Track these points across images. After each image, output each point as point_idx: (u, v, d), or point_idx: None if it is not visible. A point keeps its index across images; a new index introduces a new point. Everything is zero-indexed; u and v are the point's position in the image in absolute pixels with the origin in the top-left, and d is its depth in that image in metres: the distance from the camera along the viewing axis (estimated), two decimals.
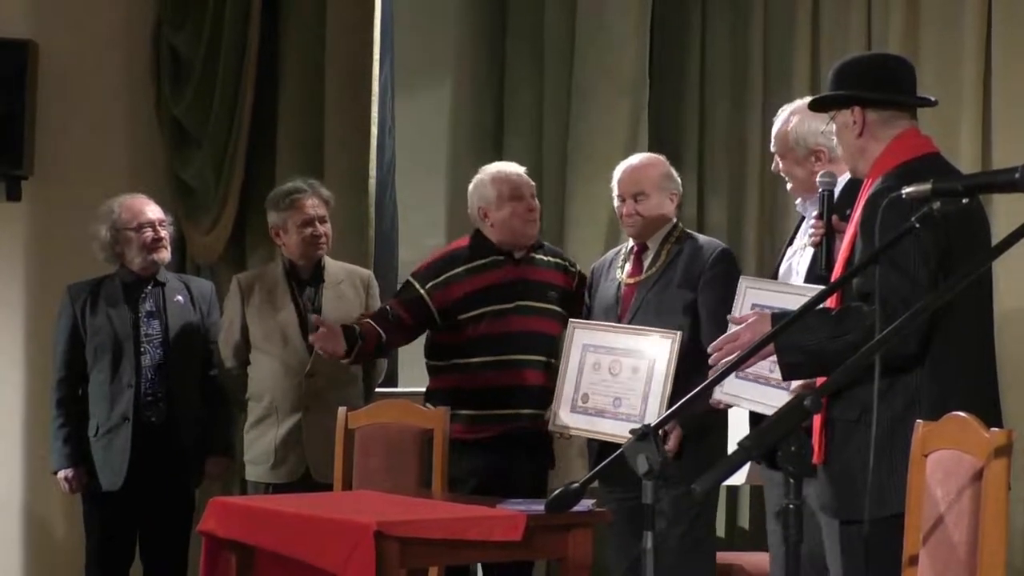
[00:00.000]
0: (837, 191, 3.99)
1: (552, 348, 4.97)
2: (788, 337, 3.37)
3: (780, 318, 3.48)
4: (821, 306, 3.31)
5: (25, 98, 6.15)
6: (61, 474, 5.35)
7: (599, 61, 5.92)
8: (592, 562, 4.11)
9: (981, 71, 5.05)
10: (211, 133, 6.22)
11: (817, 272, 3.96)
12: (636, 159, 4.89)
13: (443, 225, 6.29)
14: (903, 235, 3.00)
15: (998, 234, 3.59)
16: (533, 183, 5.08)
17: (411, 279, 5.04)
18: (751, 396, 4.03)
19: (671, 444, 4.53)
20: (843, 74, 3.60)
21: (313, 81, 6.12)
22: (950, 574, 3.00)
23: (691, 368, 4.42)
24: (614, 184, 4.81)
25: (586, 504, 3.95)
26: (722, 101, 6.01)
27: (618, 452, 2.99)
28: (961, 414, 3.05)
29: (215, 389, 5.44)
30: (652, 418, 4.27)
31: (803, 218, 4.28)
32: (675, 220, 4.83)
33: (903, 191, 2.99)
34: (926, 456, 3.13)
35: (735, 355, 3.41)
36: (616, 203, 4.81)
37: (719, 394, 4.09)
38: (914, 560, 3.11)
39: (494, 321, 4.93)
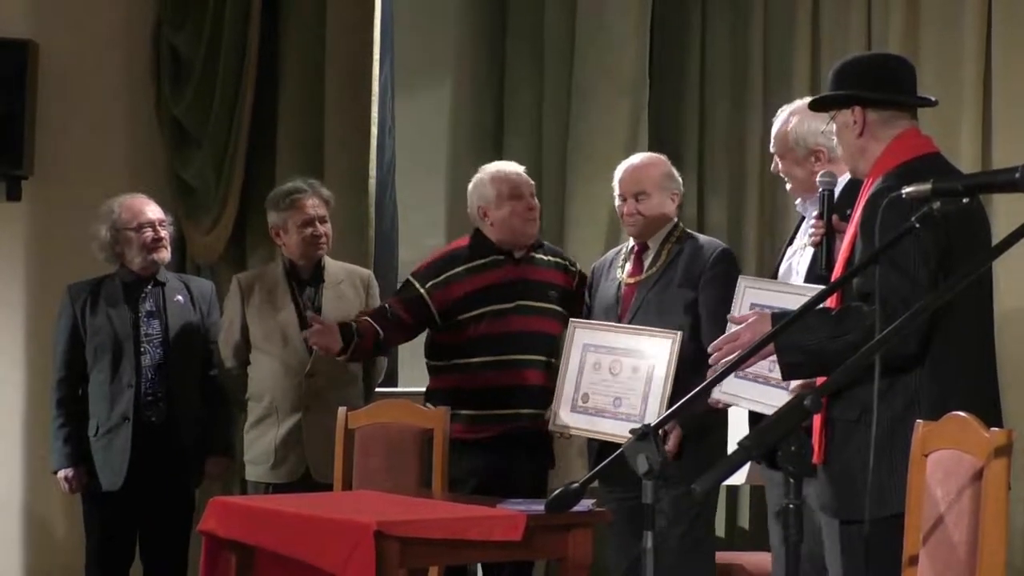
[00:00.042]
0: (837, 191, 3.99)
1: (552, 348, 4.97)
2: (788, 337, 3.37)
3: (780, 318, 3.48)
4: (821, 306, 3.31)
5: (25, 98, 6.15)
6: (61, 474, 5.35)
7: (599, 61, 5.92)
8: (592, 562, 4.11)
9: (981, 71, 5.05)
10: (211, 133, 6.22)
11: (817, 272, 3.96)
12: (637, 158, 4.89)
13: (443, 225, 6.29)
14: (903, 235, 3.00)
15: (998, 234, 3.59)
16: (532, 182, 5.09)
17: (411, 278, 5.04)
18: (750, 395, 4.03)
19: (671, 444, 4.53)
20: (843, 74, 3.60)
21: (313, 81, 6.12)
22: (950, 574, 3.00)
23: (691, 368, 4.42)
24: (615, 183, 4.81)
25: (586, 504, 3.95)
26: (722, 101, 6.01)
27: (618, 452, 2.99)
28: (961, 414, 3.05)
29: (215, 389, 5.43)
30: (652, 418, 4.27)
31: (803, 218, 4.28)
32: (676, 220, 4.83)
33: (903, 191, 2.99)
34: (926, 456, 3.13)
35: (735, 355, 3.41)
36: (617, 202, 4.81)
37: (718, 393, 4.09)
38: (914, 560, 3.11)
39: (494, 321, 4.93)
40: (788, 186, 4.29)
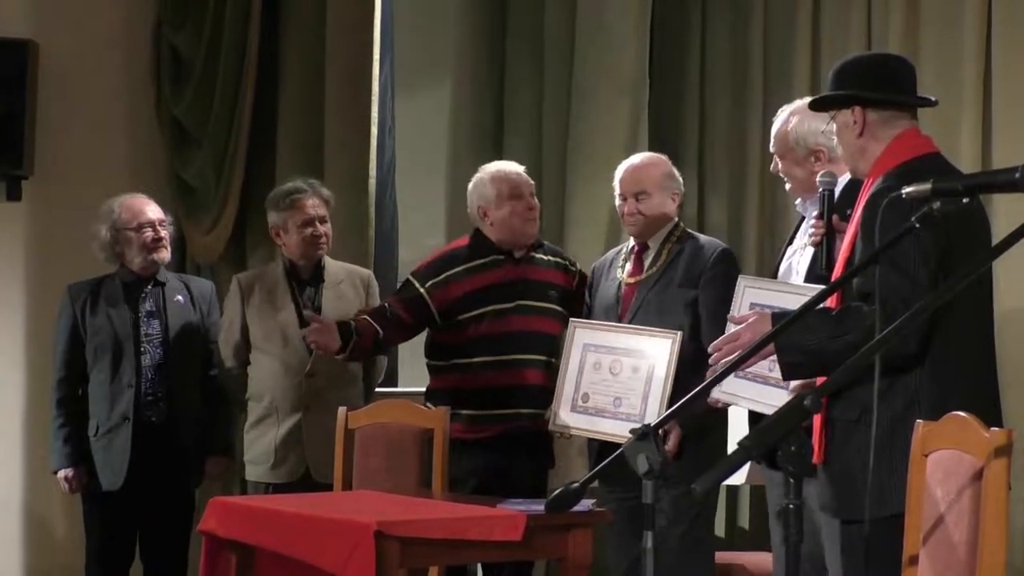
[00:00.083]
0: (837, 191, 3.99)
1: (552, 348, 4.97)
2: (788, 337, 3.37)
3: (780, 318, 3.48)
4: (821, 306, 3.31)
5: (25, 98, 6.15)
6: (61, 474, 5.35)
7: (599, 61, 5.92)
8: (592, 562, 4.11)
9: (981, 71, 5.05)
10: (211, 133, 6.22)
11: (817, 272, 3.96)
12: (638, 158, 4.89)
13: (443, 225, 6.29)
14: (903, 235, 3.00)
15: (998, 234, 3.59)
16: (533, 182, 5.09)
17: (411, 278, 5.04)
18: (750, 395, 4.03)
19: (670, 444, 4.53)
20: (843, 74, 3.60)
21: (313, 81, 6.12)
22: (950, 574, 3.00)
23: (691, 368, 4.42)
24: (616, 183, 4.81)
25: (586, 504, 3.95)
26: (722, 101, 6.01)
27: (618, 452, 2.99)
28: (961, 414, 3.05)
29: (215, 389, 5.43)
30: (652, 418, 4.26)
31: (802, 218, 4.28)
32: (676, 220, 4.83)
33: (903, 191, 2.99)
34: (926, 456, 3.13)
35: (735, 355, 3.41)
36: (618, 202, 4.81)
37: (718, 392, 4.08)
38: (914, 560, 3.11)
39: (494, 321, 4.93)
40: (787, 186, 4.29)
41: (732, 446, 4.06)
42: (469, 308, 4.93)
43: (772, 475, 4.16)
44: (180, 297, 5.44)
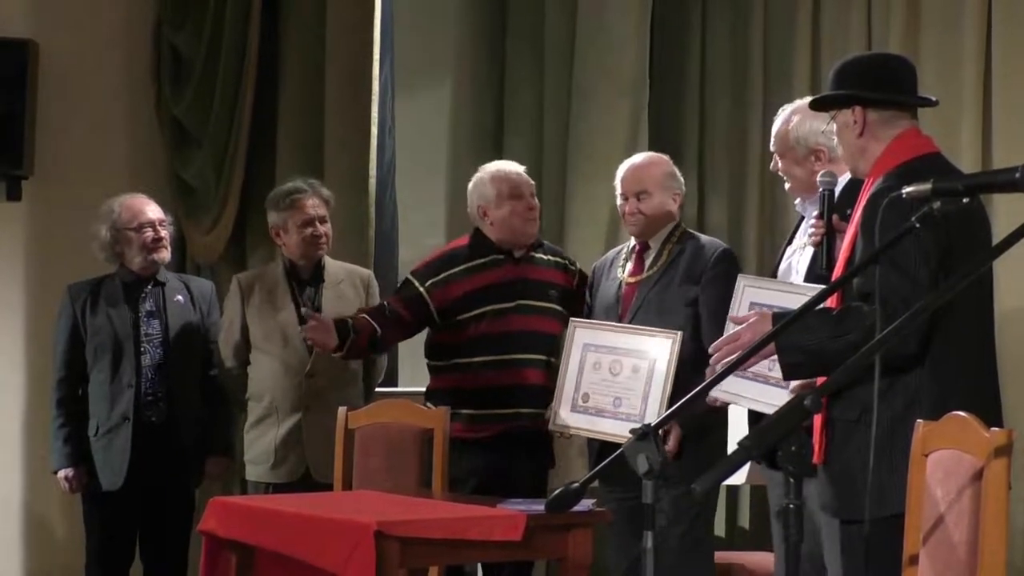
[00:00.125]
0: (837, 191, 3.99)
1: (552, 347, 4.97)
2: (788, 337, 3.37)
3: (781, 318, 3.48)
4: (822, 306, 3.31)
5: (25, 98, 6.15)
6: (61, 474, 5.35)
7: (599, 62, 5.92)
8: (592, 562, 4.11)
9: (981, 72, 5.05)
10: (211, 133, 6.22)
11: (817, 272, 3.96)
12: (639, 158, 4.89)
13: (443, 225, 6.29)
14: (903, 235, 3.00)
15: (999, 234, 3.59)
16: (533, 182, 5.08)
17: (410, 277, 5.04)
18: (750, 394, 4.03)
19: (670, 444, 4.53)
20: (844, 74, 3.60)
21: (313, 81, 6.12)
22: (950, 574, 3.00)
23: (691, 368, 4.42)
24: (617, 182, 4.81)
25: (586, 504, 3.95)
26: (722, 101, 6.01)
27: (618, 452, 2.99)
28: (961, 414, 3.05)
29: (215, 389, 5.44)
30: (652, 418, 4.26)
31: (802, 218, 4.28)
32: (677, 220, 4.82)
33: (903, 191, 2.99)
34: (926, 456, 3.13)
35: (736, 355, 3.40)
36: (619, 201, 4.81)
37: (717, 391, 4.07)
38: (914, 560, 3.11)
39: (494, 320, 4.93)
40: (787, 185, 4.29)
41: (732, 446, 4.06)
42: (469, 308, 4.93)
43: (773, 475, 4.16)
44: (180, 297, 5.44)
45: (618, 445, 3.54)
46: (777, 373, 3.56)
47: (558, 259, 5.11)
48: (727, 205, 5.97)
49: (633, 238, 4.83)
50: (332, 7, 6.08)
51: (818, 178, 4.02)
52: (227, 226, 6.18)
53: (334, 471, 4.94)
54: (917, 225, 2.94)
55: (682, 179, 4.86)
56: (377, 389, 5.53)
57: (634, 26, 5.89)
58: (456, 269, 4.98)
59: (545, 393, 4.84)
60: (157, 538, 5.38)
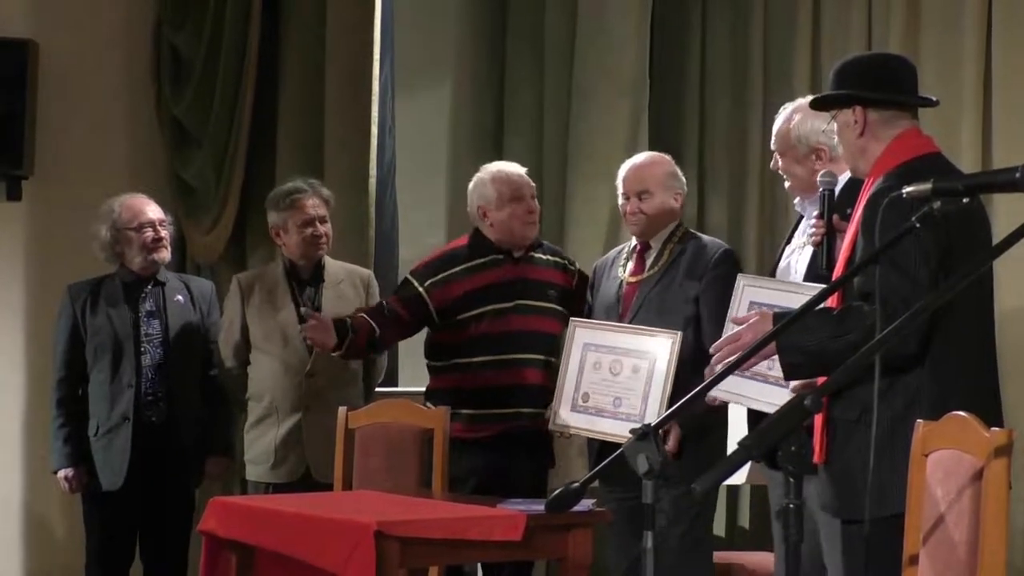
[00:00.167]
0: (837, 190, 3.99)
1: (552, 347, 4.97)
2: (789, 337, 3.37)
3: (781, 318, 3.48)
4: (822, 306, 3.31)
5: (25, 98, 6.15)
6: (61, 474, 5.35)
7: (599, 62, 5.92)
8: (592, 562, 4.11)
9: (981, 72, 5.05)
10: (211, 133, 6.22)
11: (817, 272, 3.96)
12: (641, 157, 4.89)
13: (443, 225, 6.29)
14: (903, 235, 3.00)
15: (999, 234, 3.59)
16: (534, 184, 5.08)
17: (410, 277, 5.04)
18: (749, 393, 4.03)
19: (670, 444, 4.52)
20: (844, 73, 3.60)
21: (313, 81, 6.12)
22: (950, 574, 3.00)
23: (691, 368, 4.42)
24: (619, 182, 4.80)
25: (586, 504, 3.95)
26: (722, 101, 6.01)
27: (618, 452, 2.98)
28: (961, 414, 3.06)
29: (215, 389, 5.44)
30: (652, 418, 4.26)
31: (801, 217, 4.28)
32: (679, 220, 4.82)
33: (904, 191, 2.99)
34: (926, 456, 3.13)
35: (736, 355, 3.40)
36: (620, 201, 4.80)
37: (717, 391, 4.07)
38: (914, 560, 3.11)
39: (494, 320, 4.93)
40: (787, 184, 4.29)
41: (732, 446, 4.05)
42: (469, 307, 4.93)
43: (773, 475, 4.16)
44: (180, 297, 5.44)
45: (618, 445, 3.54)
46: (777, 372, 3.57)
47: (557, 259, 5.11)
48: (727, 205, 5.97)
49: (634, 238, 4.83)
50: (332, 7, 6.08)
51: (818, 178, 4.02)
52: (227, 226, 6.18)
53: (334, 471, 4.94)
54: (917, 225, 2.94)
55: (683, 179, 4.86)
56: (377, 389, 5.53)
57: (634, 26, 5.89)
58: (455, 269, 4.97)
59: (545, 393, 4.84)
60: (157, 538, 5.38)
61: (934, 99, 3.71)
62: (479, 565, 5.20)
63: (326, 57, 6.09)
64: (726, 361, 3.53)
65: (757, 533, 5.67)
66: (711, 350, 3.70)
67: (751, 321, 3.60)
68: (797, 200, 4.28)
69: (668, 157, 4.89)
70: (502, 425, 4.91)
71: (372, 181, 6.01)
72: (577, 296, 5.01)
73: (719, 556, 5.05)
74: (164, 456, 5.28)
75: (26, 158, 6.16)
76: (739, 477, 5.29)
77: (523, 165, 5.12)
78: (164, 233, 5.41)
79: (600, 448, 4.65)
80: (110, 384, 5.29)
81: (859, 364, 2.66)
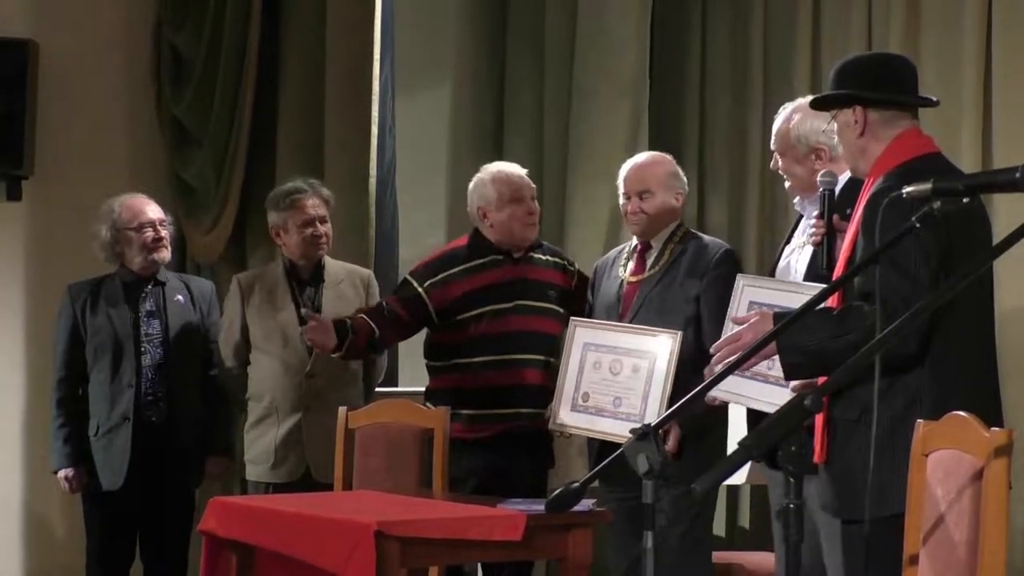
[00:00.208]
0: (837, 190, 3.99)
1: (551, 347, 4.97)
2: (789, 337, 3.37)
3: (782, 318, 3.48)
4: (823, 306, 3.31)
5: (25, 98, 6.15)
6: (61, 474, 5.35)
7: (600, 62, 5.92)
8: (592, 562, 4.11)
9: (981, 72, 5.05)
10: (211, 133, 6.23)
11: (817, 271, 3.96)
12: (642, 157, 4.89)
13: (443, 225, 6.29)
14: (904, 234, 2.99)
15: (999, 233, 3.59)
16: (534, 185, 5.07)
17: (409, 277, 5.04)
18: (749, 393, 4.02)
19: (670, 444, 4.52)
20: (845, 73, 3.60)
21: (313, 81, 6.12)
22: (951, 574, 3.00)
23: (691, 368, 4.41)
24: (620, 181, 4.80)
25: (586, 504, 3.95)
26: (722, 100, 6.01)
27: (618, 452, 2.98)
28: (961, 414, 3.05)
29: (215, 389, 5.44)
30: (652, 418, 4.26)
31: (801, 216, 4.28)
32: (679, 220, 4.82)
33: (904, 191, 2.99)
34: (926, 456, 3.13)
35: (736, 356, 3.40)
36: (621, 200, 4.80)
37: (717, 391, 4.07)
38: (914, 560, 3.11)
39: (493, 321, 4.93)
40: (787, 184, 4.28)
41: (732, 446, 4.05)
42: (468, 308, 4.93)
43: (773, 475, 4.16)
44: (180, 297, 5.44)
45: (618, 445, 3.54)
46: (777, 372, 3.57)
47: (557, 259, 5.11)
48: (727, 204, 5.97)
49: (635, 237, 4.83)
50: (332, 7, 6.08)
51: (818, 178, 4.02)
52: (227, 226, 6.18)
53: (334, 471, 4.94)
54: (917, 225, 2.94)
55: (685, 178, 4.86)
56: (377, 389, 5.53)
57: (634, 26, 5.89)
58: (455, 270, 4.97)
59: (544, 393, 4.84)
60: (157, 538, 5.38)
61: (934, 99, 3.71)
62: (479, 565, 5.20)
63: (326, 57, 6.09)
64: (726, 361, 3.52)
65: (757, 533, 5.67)
66: (711, 350, 3.69)
67: (751, 321, 3.60)
68: (797, 200, 4.28)
69: (669, 157, 4.89)
70: (502, 425, 4.90)
71: (372, 181, 6.01)
72: (577, 297, 5.01)
73: (719, 556, 5.05)
74: (164, 456, 5.28)
75: (26, 158, 6.16)
76: (739, 477, 5.29)
77: (523, 165, 5.12)
78: (164, 233, 5.41)
79: (600, 448, 4.65)
80: (110, 384, 5.29)
81: (859, 364, 2.66)
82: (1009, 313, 4.70)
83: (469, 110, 6.29)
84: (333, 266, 5.38)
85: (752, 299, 4.05)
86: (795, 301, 3.67)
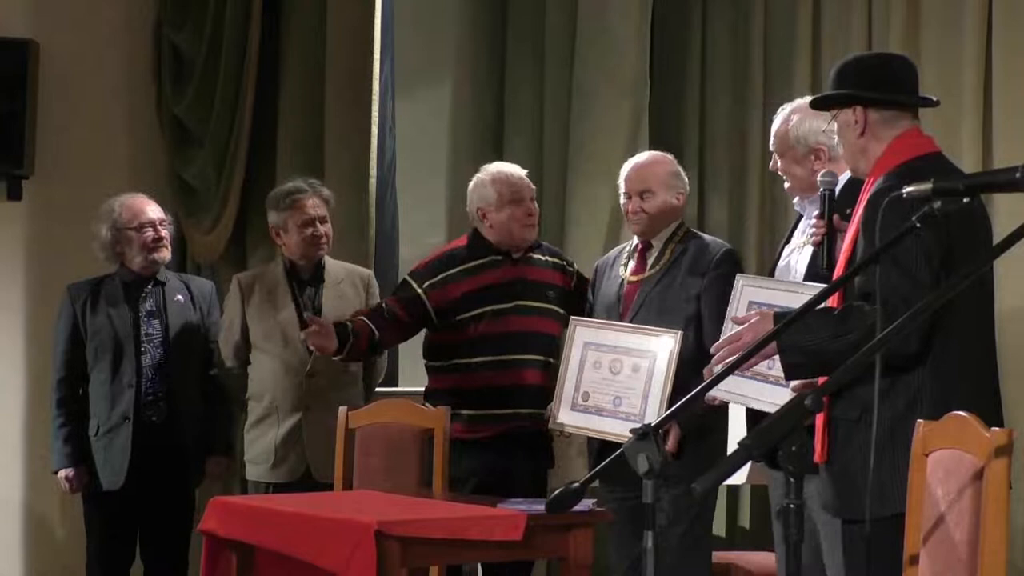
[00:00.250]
0: (838, 190, 3.99)
1: (551, 348, 4.97)
2: (789, 337, 3.37)
3: (782, 318, 3.48)
4: (823, 305, 3.31)
5: (25, 98, 6.15)
6: (62, 474, 5.35)
7: (600, 63, 5.93)
8: (592, 562, 4.11)
9: (982, 72, 5.05)
10: (212, 132, 6.23)
11: (817, 271, 3.96)
12: (644, 156, 4.89)
13: (443, 225, 6.29)
14: (904, 234, 2.99)
15: (999, 233, 3.59)
16: (534, 186, 5.07)
17: (408, 278, 5.04)
18: (749, 393, 4.02)
19: (669, 444, 4.52)
20: (845, 73, 3.60)
21: (313, 81, 6.12)
22: (951, 573, 3.00)
23: (691, 368, 4.41)
24: (621, 181, 4.80)
25: (586, 504, 3.95)
26: (723, 100, 6.01)
27: (619, 452, 2.98)
28: (962, 413, 3.05)
29: (215, 389, 5.44)
30: (652, 417, 4.26)
31: (800, 216, 4.28)
32: (680, 219, 4.82)
33: (904, 190, 2.99)
34: (927, 455, 3.12)
35: (737, 356, 3.40)
36: (622, 200, 4.80)
37: (717, 391, 4.06)
38: (915, 559, 3.11)
39: (493, 321, 4.93)
40: (786, 185, 4.28)
41: (732, 446, 4.06)
42: (467, 308, 4.93)
43: (773, 475, 4.16)
44: (180, 297, 5.45)
45: (618, 444, 3.54)
46: (777, 372, 3.57)
47: (556, 260, 5.11)
48: (727, 204, 5.98)
49: (636, 237, 4.82)
50: (332, 7, 6.08)
51: (818, 178, 4.02)
52: (227, 226, 6.18)
53: (334, 471, 4.94)
54: (918, 225, 2.94)
55: (686, 178, 4.86)
56: (377, 389, 5.54)
57: (635, 26, 5.89)
58: (454, 270, 4.97)
59: (544, 393, 4.84)
60: (157, 538, 5.38)
61: (934, 99, 3.70)
62: (479, 565, 5.20)
63: (326, 57, 6.09)
64: (726, 361, 3.52)
65: (757, 533, 5.67)
66: (712, 350, 3.69)
67: (751, 321, 3.60)
68: (796, 200, 4.28)
69: (670, 156, 4.89)
70: (502, 425, 4.90)
71: (372, 181, 6.01)
72: (576, 297, 5.01)
73: (719, 556, 5.05)
74: (164, 456, 5.29)
75: (26, 158, 6.16)
76: (739, 477, 5.29)
77: (523, 165, 5.12)
78: (164, 233, 5.41)
79: (600, 448, 4.65)
80: (110, 384, 5.29)
81: (860, 364, 2.66)
82: (1009, 313, 4.70)
83: (469, 110, 6.29)
84: (333, 266, 5.38)
85: (752, 299, 4.05)
86: (795, 301, 3.67)
